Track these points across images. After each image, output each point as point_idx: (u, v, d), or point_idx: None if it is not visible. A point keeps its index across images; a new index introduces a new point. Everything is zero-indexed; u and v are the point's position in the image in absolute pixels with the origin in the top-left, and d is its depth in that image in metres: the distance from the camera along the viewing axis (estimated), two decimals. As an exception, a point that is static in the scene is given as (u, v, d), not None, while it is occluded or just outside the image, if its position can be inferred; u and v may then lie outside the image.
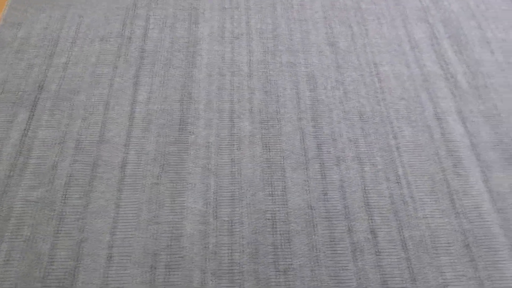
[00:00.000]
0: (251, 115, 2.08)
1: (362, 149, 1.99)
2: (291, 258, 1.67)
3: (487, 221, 1.79)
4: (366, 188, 1.86)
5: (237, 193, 1.83)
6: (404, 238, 1.73)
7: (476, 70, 2.32)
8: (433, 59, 2.37)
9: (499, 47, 2.44)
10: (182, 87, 2.18)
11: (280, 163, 1.92)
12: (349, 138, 2.02)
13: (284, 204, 1.80)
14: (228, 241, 1.70)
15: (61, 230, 1.70)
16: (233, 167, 1.90)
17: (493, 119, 2.12)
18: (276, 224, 1.75)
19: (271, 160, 1.93)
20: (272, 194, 1.83)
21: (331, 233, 1.74)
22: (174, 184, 1.84)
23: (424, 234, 1.74)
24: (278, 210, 1.79)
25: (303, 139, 2.01)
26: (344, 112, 2.12)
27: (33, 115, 2.03)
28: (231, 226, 1.74)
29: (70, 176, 1.84)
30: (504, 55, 2.41)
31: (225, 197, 1.82)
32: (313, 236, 1.72)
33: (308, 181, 1.87)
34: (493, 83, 2.27)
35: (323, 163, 1.93)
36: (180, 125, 2.03)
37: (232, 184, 1.85)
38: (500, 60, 2.38)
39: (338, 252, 1.69)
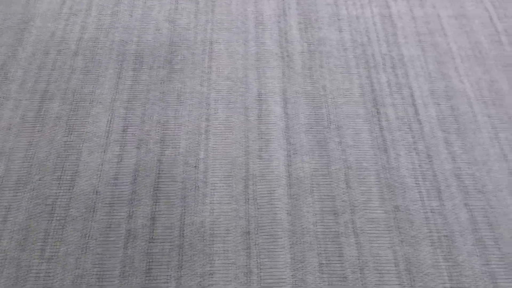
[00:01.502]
0: (63, 96, 2.03)
1: (169, 132, 1.94)
2: (60, 245, 1.64)
3: (276, 207, 1.75)
4: (160, 172, 1.82)
5: (24, 177, 1.79)
6: (183, 224, 1.70)
7: (316, 49, 2.26)
8: (274, 38, 2.30)
9: (349, 25, 2.37)
10: (1, 66, 2.12)
11: (78, 146, 1.88)
12: (159, 120, 1.97)
13: (69, 189, 1.76)
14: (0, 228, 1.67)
15: None
16: (28, 151, 1.86)
17: (318, 100, 2.07)
18: (55, 210, 1.71)
19: (70, 143, 1.89)
20: (60, 178, 1.79)
21: (109, 219, 1.70)
22: (-38, 168, 1.81)
23: (205, 220, 1.71)
24: (62, 195, 1.75)
25: (111, 121, 1.96)
26: (162, 93, 2.06)
27: None
28: (8, 212, 1.71)
29: None
30: (352, 33, 2.33)
31: (10, 181, 1.78)
32: (90, 222, 1.69)
33: (102, 164, 1.83)
34: (330, 63, 2.21)
35: (123, 146, 1.89)
36: (-14, 106, 1.99)
37: (22, 168, 1.81)
38: (346, 38, 2.31)
39: (111, 239, 1.66)
